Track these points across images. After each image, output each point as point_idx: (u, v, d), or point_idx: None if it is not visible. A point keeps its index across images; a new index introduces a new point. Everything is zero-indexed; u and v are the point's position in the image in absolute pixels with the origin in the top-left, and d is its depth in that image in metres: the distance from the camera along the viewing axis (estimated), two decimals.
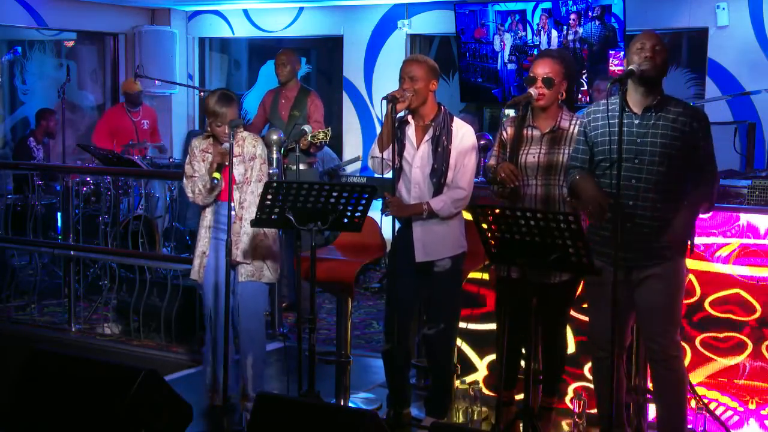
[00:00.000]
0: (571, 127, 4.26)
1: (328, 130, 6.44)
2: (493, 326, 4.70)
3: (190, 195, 4.80)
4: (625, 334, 4.09)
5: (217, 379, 4.80)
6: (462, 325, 4.74)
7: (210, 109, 4.69)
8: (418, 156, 4.45)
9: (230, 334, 4.75)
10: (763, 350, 4.42)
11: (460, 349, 5.01)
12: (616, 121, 3.79)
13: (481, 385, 4.95)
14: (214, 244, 4.81)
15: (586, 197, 3.90)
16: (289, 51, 6.98)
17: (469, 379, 4.98)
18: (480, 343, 5.02)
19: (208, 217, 4.81)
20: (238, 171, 4.70)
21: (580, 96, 8.06)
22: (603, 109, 3.94)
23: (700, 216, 4.08)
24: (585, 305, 4.58)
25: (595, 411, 4.57)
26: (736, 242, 4.41)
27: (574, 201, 4.06)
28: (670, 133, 3.83)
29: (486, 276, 4.80)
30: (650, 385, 4.45)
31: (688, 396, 4.11)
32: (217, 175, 4.63)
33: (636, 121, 3.89)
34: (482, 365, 5.05)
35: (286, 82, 6.85)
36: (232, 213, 4.69)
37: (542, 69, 4.24)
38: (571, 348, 4.71)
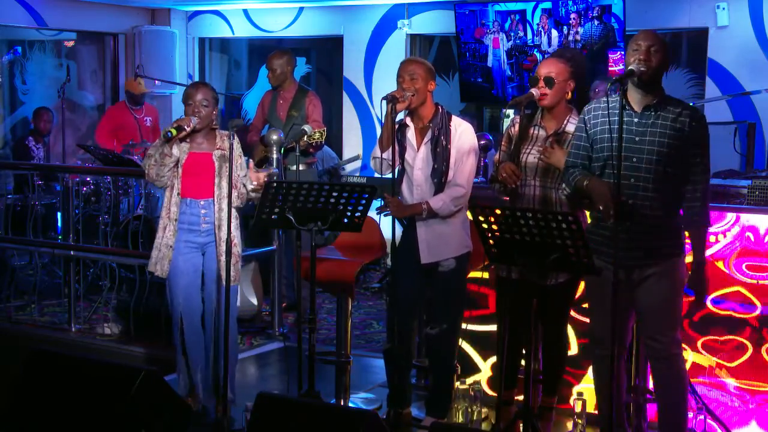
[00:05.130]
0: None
1: (323, 130, 6.45)
2: (495, 328, 4.70)
3: (146, 171, 4.70)
4: (626, 333, 4.10)
5: (196, 382, 4.80)
6: (462, 326, 4.74)
7: (184, 94, 4.70)
8: (418, 158, 4.45)
9: (203, 336, 4.76)
10: (763, 351, 4.42)
11: (462, 350, 5.01)
12: (616, 119, 3.79)
13: (485, 386, 4.95)
14: (183, 247, 4.73)
15: (598, 193, 3.84)
16: (278, 54, 6.88)
17: (471, 379, 4.97)
18: (483, 344, 5.01)
19: (173, 209, 4.70)
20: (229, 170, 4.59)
21: None
22: (603, 107, 3.94)
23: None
24: (585, 305, 4.58)
25: (595, 411, 4.57)
26: (735, 242, 4.41)
27: (585, 202, 4.05)
28: (668, 132, 3.83)
29: (485, 275, 4.80)
30: (651, 385, 4.47)
31: (689, 396, 4.11)
32: (173, 130, 4.53)
33: (635, 120, 3.89)
34: (485, 366, 5.04)
35: (278, 85, 6.83)
36: (204, 211, 4.69)
37: (545, 69, 4.24)
38: (574, 350, 4.71)
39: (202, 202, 4.70)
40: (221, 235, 4.67)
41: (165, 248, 4.72)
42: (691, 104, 3.99)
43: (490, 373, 5.02)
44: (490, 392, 4.92)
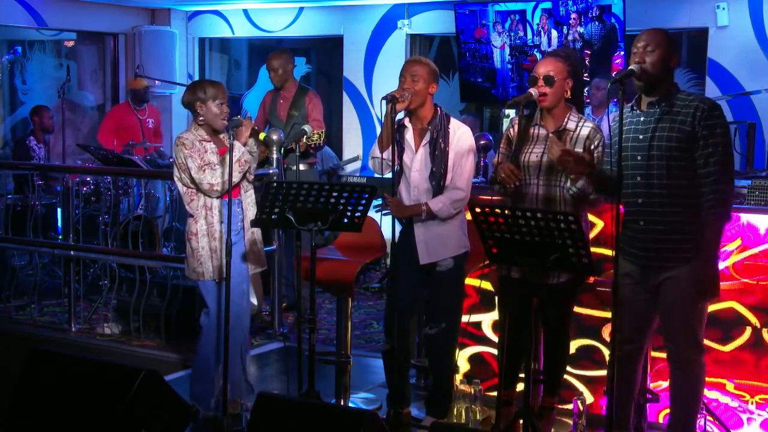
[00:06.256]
0: (578, 129, 4.21)
1: (322, 132, 6.45)
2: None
3: (216, 182, 4.48)
4: (646, 336, 4.06)
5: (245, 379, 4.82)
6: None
7: (208, 90, 4.53)
8: (416, 160, 4.45)
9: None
10: (763, 351, 4.41)
11: None
12: (628, 120, 3.84)
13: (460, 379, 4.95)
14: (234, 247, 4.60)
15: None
16: (278, 54, 6.88)
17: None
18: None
19: (217, 213, 4.58)
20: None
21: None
22: (625, 112, 3.91)
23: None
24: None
25: (595, 411, 4.57)
26: (735, 242, 4.41)
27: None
28: (671, 126, 3.80)
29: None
30: (650, 385, 4.46)
31: None
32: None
33: (641, 119, 3.89)
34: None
35: (282, 85, 6.84)
36: (238, 209, 4.66)
37: (544, 68, 4.22)
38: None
39: (235, 200, 4.61)
40: (246, 226, 4.65)
41: (218, 254, 4.57)
42: (703, 96, 3.95)
43: (468, 367, 5.03)
44: (462, 387, 4.89)
